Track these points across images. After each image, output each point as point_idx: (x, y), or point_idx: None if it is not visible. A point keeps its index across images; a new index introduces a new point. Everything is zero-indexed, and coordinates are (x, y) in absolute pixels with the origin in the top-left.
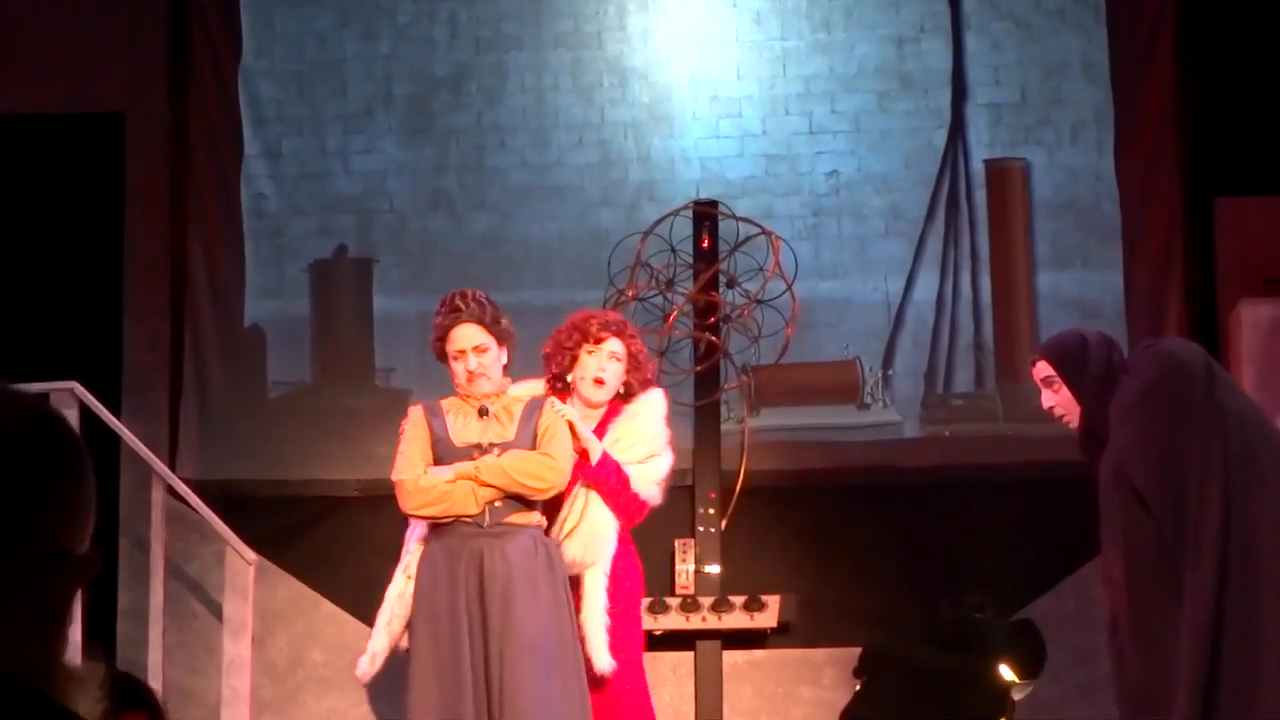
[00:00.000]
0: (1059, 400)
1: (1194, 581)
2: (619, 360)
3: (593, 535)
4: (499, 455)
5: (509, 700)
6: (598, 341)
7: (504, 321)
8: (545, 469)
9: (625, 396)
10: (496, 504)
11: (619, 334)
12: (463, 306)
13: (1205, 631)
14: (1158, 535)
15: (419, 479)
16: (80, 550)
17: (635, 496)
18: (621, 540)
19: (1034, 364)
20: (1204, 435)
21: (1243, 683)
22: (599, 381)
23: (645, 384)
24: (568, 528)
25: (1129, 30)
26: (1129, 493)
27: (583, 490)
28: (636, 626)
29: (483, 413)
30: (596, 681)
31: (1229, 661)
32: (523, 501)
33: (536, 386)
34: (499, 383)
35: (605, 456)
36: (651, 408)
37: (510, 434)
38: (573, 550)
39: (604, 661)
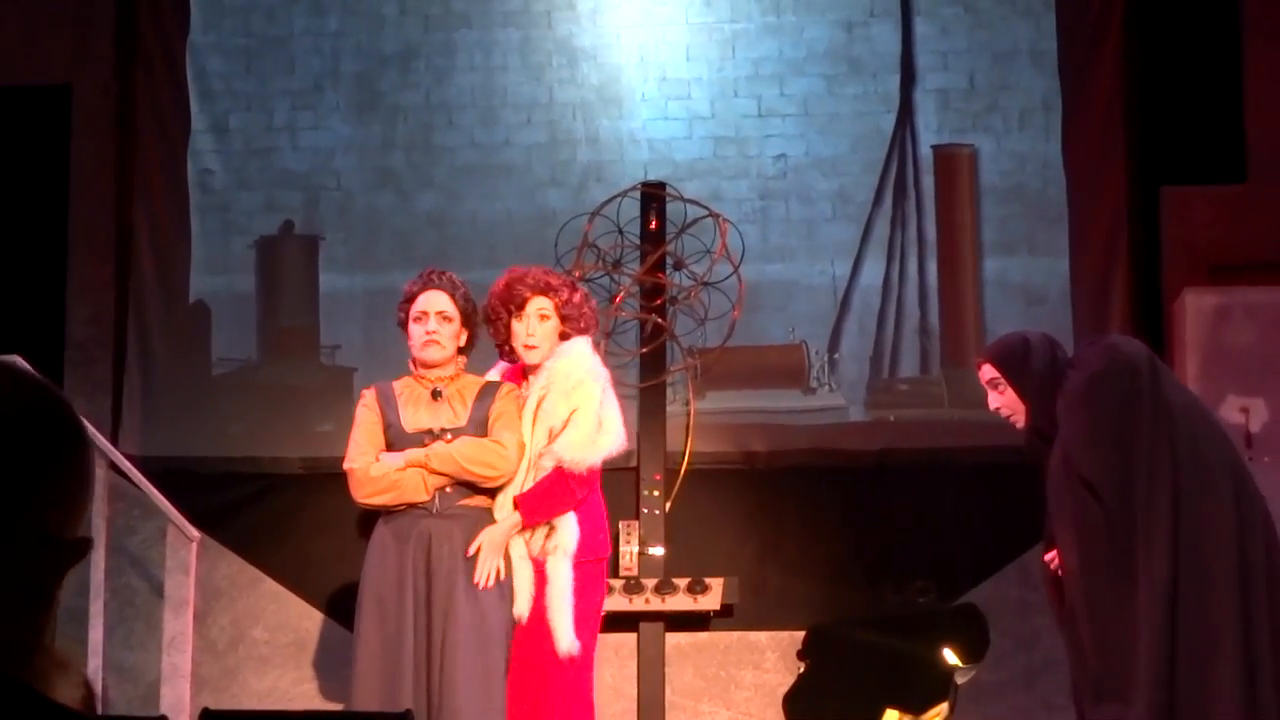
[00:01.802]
0: (1004, 401)
1: (1148, 569)
2: (547, 318)
3: (554, 525)
4: (450, 441)
5: (448, 680)
6: (521, 305)
7: (475, 311)
8: (496, 458)
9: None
10: (447, 489)
11: (543, 291)
12: (437, 279)
13: (1162, 617)
14: (1108, 524)
15: (370, 467)
16: (72, 535)
17: (565, 489)
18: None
19: (979, 366)
20: (1150, 425)
21: (1199, 669)
22: (529, 346)
23: (582, 333)
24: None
25: (1078, 18)
26: (1078, 483)
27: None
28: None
29: (435, 395)
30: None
31: (1184, 650)
32: (473, 486)
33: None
34: (450, 357)
35: (519, 504)
36: (561, 360)
37: (463, 419)
38: (535, 538)
39: (566, 645)
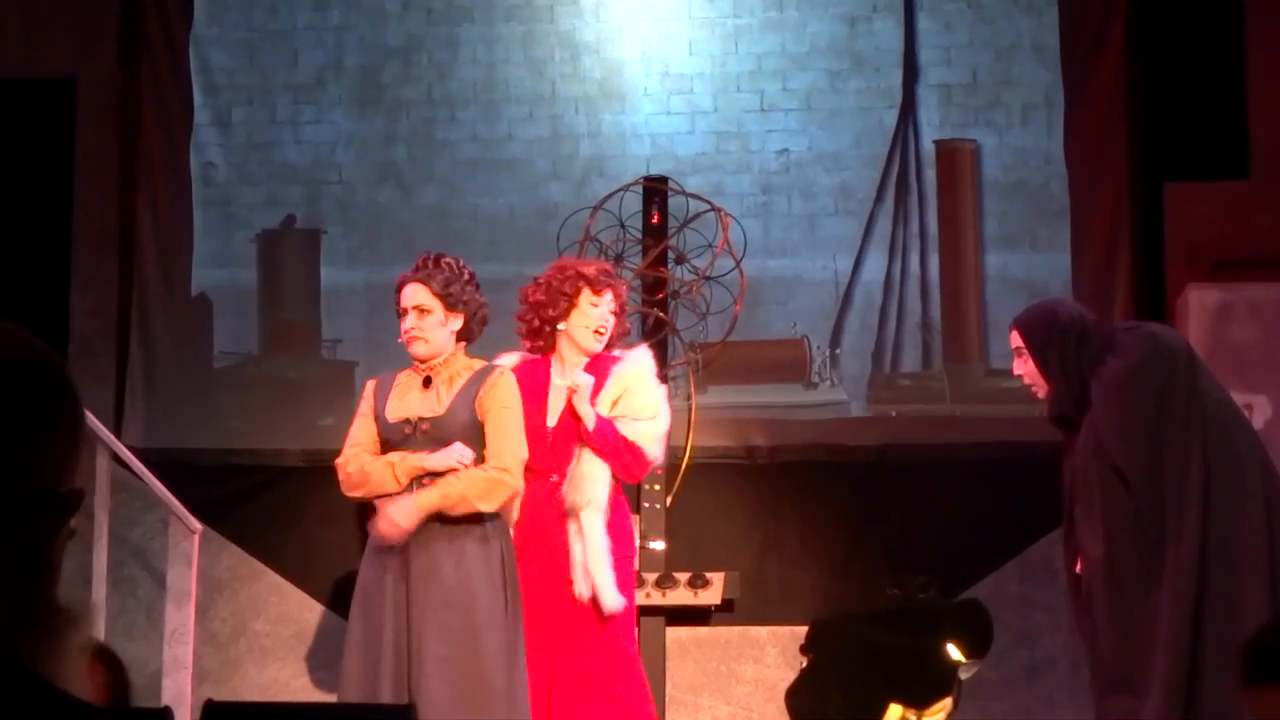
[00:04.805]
0: (1026, 370)
1: (1175, 564)
2: (614, 314)
3: (583, 477)
4: (426, 429)
5: (416, 670)
6: (600, 292)
7: (462, 291)
8: (504, 489)
9: (605, 346)
10: (425, 482)
11: (615, 285)
12: (421, 267)
13: (1186, 614)
14: (1137, 516)
15: (347, 463)
16: (66, 488)
17: (639, 453)
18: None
19: (1011, 329)
20: (1186, 420)
21: (1224, 668)
22: (600, 332)
23: (622, 334)
24: (569, 475)
25: (1080, 13)
26: (1109, 471)
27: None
28: (629, 584)
29: (426, 383)
30: (591, 634)
31: (1210, 647)
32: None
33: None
34: (439, 349)
35: (600, 423)
36: (645, 365)
37: (442, 407)
38: (567, 491)
39: (612, 600)
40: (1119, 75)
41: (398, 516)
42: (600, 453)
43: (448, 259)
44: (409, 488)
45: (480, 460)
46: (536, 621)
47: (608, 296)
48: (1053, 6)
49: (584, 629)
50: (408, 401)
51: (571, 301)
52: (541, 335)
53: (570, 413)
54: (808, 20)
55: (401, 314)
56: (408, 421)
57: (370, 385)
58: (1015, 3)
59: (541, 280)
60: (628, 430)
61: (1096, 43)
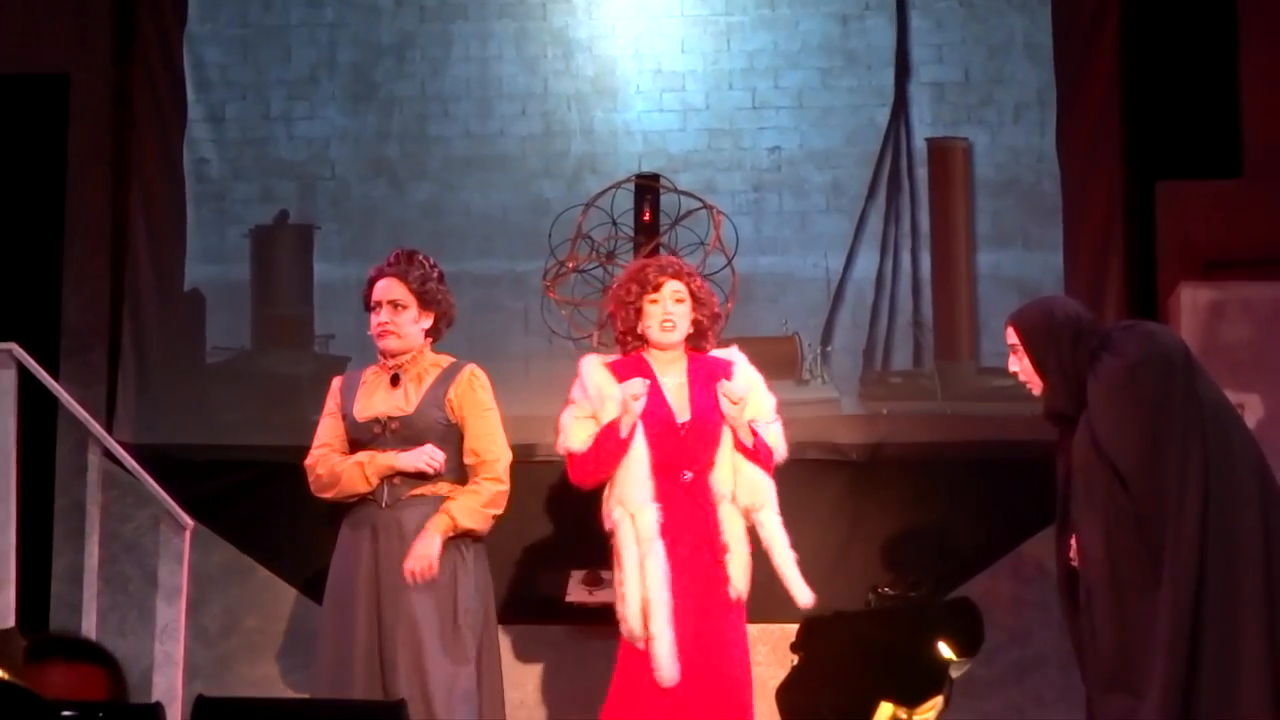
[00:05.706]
0: (1021, 367)
1: (1173, 565)
2: (683, 301)
3: (750, 480)
4: (396, 429)
5: (388, 669)
6: (657, 288)
7: (437, 290)
8: (500, 497)
9: (698, 336)
10: (395, 481)
11: (676, 275)
12: (395, 262)
13: (1184, 616)
14: (1136, 515)
15: (316, 464)
16: None
17: (773, 456)
18: None
19: (1007, 326)
20: (1184, 420)
21: (1222, 672)
22: (668, 325)
23: (715, 319)
24: (728, 487)
25: (1073, 11)
26: (1109, 470)
27: (728, 448)
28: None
29: (394, 381)
30: (733, 634)
31: (1209, 647)
32: (423, 477)
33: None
34: (410, 345)
35: (758, 439)
36: (752, 367)
37: (411, 405)
38: (740, 498)
39: (804, 595)
40: (1112, 74)
41: (426, 551)
42: (755, 460)
43: (420, 256)
44: (379, 487)
45: (456, 461)
46: (681, 618)
47: (666, 288)
48: (1045, 5)
49: (732, 627)
50: (375, 400)
51: (636, 307)
52: (630, 340)
53: (717, 414)
54: (800, 18)
55: (374, 308)
56: (376, 421)
57: (336, 383)
58: (1008, 1)
59: (611, 292)
60: (764, 434)
61: (1089, 41)
